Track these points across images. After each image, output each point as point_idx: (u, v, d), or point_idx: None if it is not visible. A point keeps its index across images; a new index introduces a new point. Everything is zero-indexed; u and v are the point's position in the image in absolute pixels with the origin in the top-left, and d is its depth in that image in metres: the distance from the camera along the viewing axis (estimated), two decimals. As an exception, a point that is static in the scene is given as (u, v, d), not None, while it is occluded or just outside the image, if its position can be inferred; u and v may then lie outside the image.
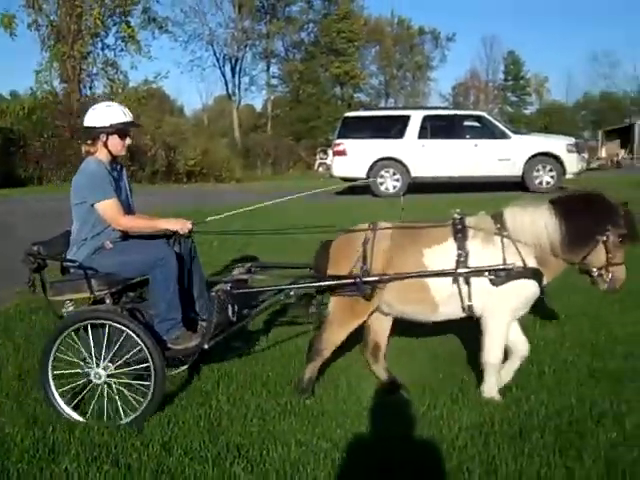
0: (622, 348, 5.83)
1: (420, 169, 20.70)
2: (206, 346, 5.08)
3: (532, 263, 4.87)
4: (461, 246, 4.90)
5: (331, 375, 5.44)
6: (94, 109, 5.35)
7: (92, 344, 4.84)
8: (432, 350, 5.92)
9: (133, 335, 4.81)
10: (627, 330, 6.32)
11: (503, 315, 4.93)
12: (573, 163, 21.23)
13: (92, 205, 5.14)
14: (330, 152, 23.13)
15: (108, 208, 5.14)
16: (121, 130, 5.29)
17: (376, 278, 4.93)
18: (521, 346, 5.05)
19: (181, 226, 5.31)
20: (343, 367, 5.60)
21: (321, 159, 39.85)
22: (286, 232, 7.14)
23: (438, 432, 4.39)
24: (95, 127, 5.24)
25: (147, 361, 4.75)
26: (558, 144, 21.60)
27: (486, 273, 4.83)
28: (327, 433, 4.46)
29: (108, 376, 4.87)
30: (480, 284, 4.87)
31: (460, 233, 4.94)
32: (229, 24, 57.55)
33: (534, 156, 20.94)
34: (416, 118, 21.15)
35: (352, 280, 4.94)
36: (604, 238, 4.82)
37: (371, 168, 21.06)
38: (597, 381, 5.14)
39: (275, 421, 4.66)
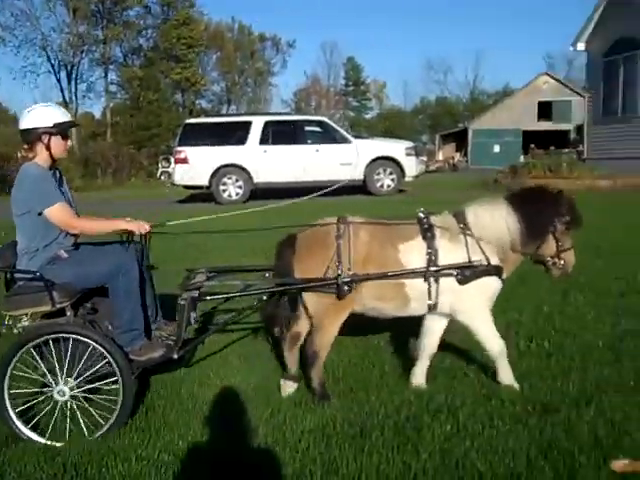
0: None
1: (262, 175, 20.75)
2: (175, 356, 4.92)
3: (494, 260, 5.01)
4: (430, 244, 4.96)
5: (173, 386, 5.36)
6: (31, 110, 5.04)
7: (55, 359, 4.57)
8: (276, 355, 5.93)
9: (100, 348, 4.59)
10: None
11: (482, 310, 5.05)
12: (412, 166, 21.94)
13: (39, 213, 4.85)
14: (172, 160, 22.78)
15: (59, 212, 4.88)
16: (64, 130, 5.03)
17: (360, 277, 4.85)
18: (430, 347, 5.24)
19: (138, 227, 5.09)
20: (184, 378, 5.52)
21: (163, 167, 39.22)
22: (244, 231, 6.59)
23: (282, 436, 4.41)
24: (36, 128, 4.92)
25: (110, 375, 4.57)
26: (397, 148, 22.26)
27: (454, 272, 4.91)
28: (169, 446, 4.39)
29: (71, 393, 4.63)
30: (447, 282, 4.95)
31: (428, 232, 5.00)
32: (63, 29, 55.56)
33: (374, 160, 21.49)
34: (257, 124, 21.20)
35: (333, 281, 4.82)
36: (552, 228, 5.08)
37: (213, 175, 20.96)
38: (434, 377, 5.31)
39: (116, 437, 4.54)
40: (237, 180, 20.97)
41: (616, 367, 5.38)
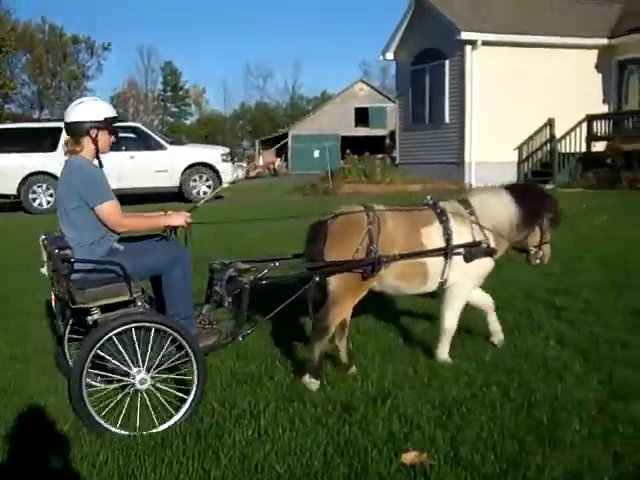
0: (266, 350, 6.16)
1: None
2: (240, 339, 5.16)
3: (492, 243, 5.63)
4: (446, 227, 5.50)
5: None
6: (81, 103, 5.08)
7: (137, 348, 4.60)
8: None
9: (178, 336, 4.66)
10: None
11: (467, 289, 5.71)
12: (228, 172, 22.01)
13: (92, 208, 4.85)
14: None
15: (112, 210, 4.93)
16: (111, 126, 5.06)
17: (395, 257, 5.29)
18: (486, 299, 5.95)
19: (182, 220, 5.20)
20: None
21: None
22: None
23: (79, 450, 4.28)
24: (85, 122, 4.93)
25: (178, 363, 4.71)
26: (213, 154, 22.27)
27: (461, 250, 5.49)
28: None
29: (152, 381, 4.67)
30: (456, 260, 5.52)
31: (443, 216, 5.55)
32: None
33: (190, 166, 21.38)
34: (69, 130, 20.52)
35: (372, 260, 5.19)
36: (540, 222, 5.84)
37: (22, 183, 20.11)
38: (239, 382, 5.36)
39: None
40: (48, 188, 20.19)
41: (413, 365, 5.64)
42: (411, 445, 4.23)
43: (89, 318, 4.68)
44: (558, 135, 23.64)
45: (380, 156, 29.81)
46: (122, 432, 4.51)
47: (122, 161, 20.32)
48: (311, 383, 5.22)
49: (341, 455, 4.15)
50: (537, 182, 22.70)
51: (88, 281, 4.74)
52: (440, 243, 5.48)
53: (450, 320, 5.66)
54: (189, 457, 4.16)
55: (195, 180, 21.55)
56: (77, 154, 5.00)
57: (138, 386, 4.66)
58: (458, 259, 5.53)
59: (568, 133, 23.64)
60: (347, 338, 5.72)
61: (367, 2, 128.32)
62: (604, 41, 24.86)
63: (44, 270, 5.12)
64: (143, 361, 4.64)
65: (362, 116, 59.35)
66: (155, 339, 4.66)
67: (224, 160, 22.05)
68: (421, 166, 25.31)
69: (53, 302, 5.08)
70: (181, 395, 4.75)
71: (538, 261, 6.00)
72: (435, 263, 5.51)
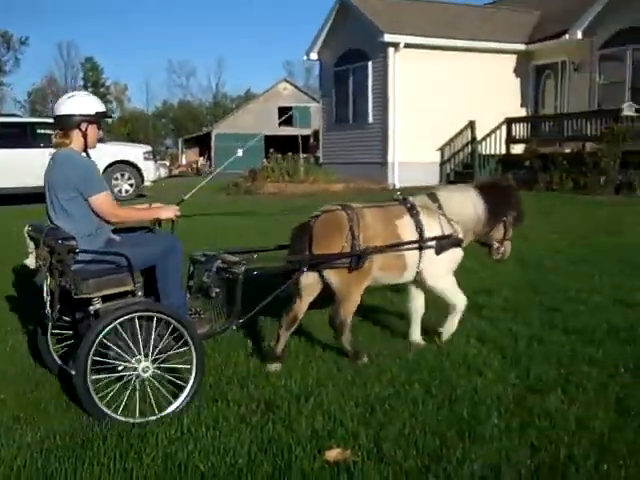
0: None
1: (-10, 181, 19.37)
2: (234, 327, 5.36)
3: (460, 235, 5.98)
4: (417, 221, 5.85)
5: None
6: (72, 96, 5.17)
7: (139, 337, 4.70)
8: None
9: (178, 326, 4.78)
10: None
11: (447, 275, 6.07)
12: (150, 171, 21.76)
13: (86, 199, 4.97)
14: None
15: (106, 201, 5.04)
16: (100, 120, 5.22)
17: (378, 249, 5.61)
18: (420, 302, 6.25)
19: (172, 213, 5.39)
20: None
21: None
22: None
23: (-2, 456, 4.20)
24: (76, 115, 5.04)
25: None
26: (134, 152, 21.98)
27: (434, 242, 5.83)
28: None
29: (153, 369, 4.78)
30: (429, 252, 5.87)
31: (413, 210, 5.89)
32: None
33: (112, 164, 21.03)
34: (-18, 127, 19.91)
35: (357, 254, 5.51)
36: (505, 218, 6.22)
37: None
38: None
39: None
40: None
41: (337, 363, 5.69)
42: (334, 442, 4.26)
43: (91, 308, 4.81)
44: (479, 137, 24.11)
45: (304, 156, 29.85)
46: (125, 420, 4.59)
47: (40, 158, 19.75)
48: (362, 363, 5.65)
49: (265, 453, 4.15)
50: (459, 182, 23.18)
51: (88, 272, 4.84)
52: (413, 236, 5.83)
53: (456, 299, 6.09)
54: (110, 457, 4.09)
55: (117, 178, 21.20)
56: (66, 146, 5.09)
57: (141, 374, 4.75)
58: (430, 251, 5.88)
59: (488, 135, 24.11)
60: (290, 333, 5.87)
61: (291, 1, 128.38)
62: (522, 47, 25.49)
63: (28, 261, 5.11)
64: (145, 350, 4.75)
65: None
66: (155, 328, 4.76)
67: (146, 158, 21.78)
68: (345, 166, 25.46)
69: (44, 292, 4.91)
70: (181, 383, 4.87)
71: (499, 256, 6.41)
72: (412, 255, 5.86)
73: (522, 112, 25.53)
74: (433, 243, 5.84)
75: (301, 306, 5.80)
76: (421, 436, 4.31)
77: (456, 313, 6.11)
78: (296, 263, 5.60)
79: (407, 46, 23.73)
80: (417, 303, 6.24)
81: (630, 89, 22.07)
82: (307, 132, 54.73)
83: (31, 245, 5.08)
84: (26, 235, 5.13)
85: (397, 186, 23.11)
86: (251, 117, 59.62)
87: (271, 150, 27.78)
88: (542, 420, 4.50)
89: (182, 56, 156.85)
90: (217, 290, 5.27)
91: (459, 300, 6.10)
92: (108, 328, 4.61)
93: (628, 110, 19.92)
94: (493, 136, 24.09)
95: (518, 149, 23.48)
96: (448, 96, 23.80)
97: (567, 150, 21.63)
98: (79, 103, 5.09)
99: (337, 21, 26.55)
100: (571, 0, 25.19)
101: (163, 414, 4.67)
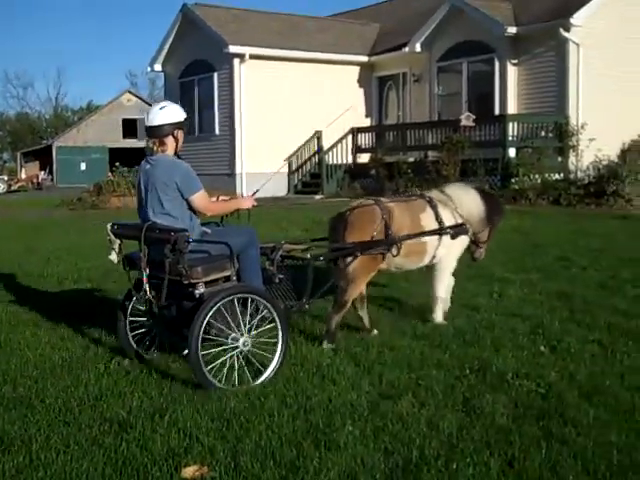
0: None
1: None
2: (307, 307, 6.33)
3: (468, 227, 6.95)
4: (436, 213, 6.77)
5: None
6: (164, 107, 5.78)
7: (240, 315, 5.41)
8: None
9: (268, 306, 5.51)
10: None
11: (453, 262, 7.02)
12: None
13: (186, 198, 5.65)
14: None
15: (204, 198, 5.75)
16: (185, 125, 5.88)
17: (407, 235, 6.52)
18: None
19: (250, 203, 6.09)
20: None
21: None
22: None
23: None
24: (170, 123, 5.70)
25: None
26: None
27: (450, 230, 6.75)
28: None
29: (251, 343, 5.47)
30: (445, 239, 6.78)
31: (432, 203, 6.82)
32: None
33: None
34: None
35: (392, 240, 6.39)
36: (492, 223, 7.15)
37: None
38: (7, 408, 5.07)
39: None
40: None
41: (192, 378, 5.62)
42: (191, 459, 4.20)
43: (196, 292, 5.42)
44: (326, 147, 24.53)
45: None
46: (227, 387, 5.27)
47: None
48: (329, 347, 6.24)
49: (120, 475, 4.05)
50: (307, 193, 23.53)
51: (196, 259, 5.49)
52: (434, 225, 6.73)
53: (441, 289, 6.98)
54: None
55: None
56: (164, 152, 5.77)
57: (243, 348, 5.43)
58: (446, 238, 6.77)
59: (335, 145, 24.58)
60: (366, 307, 6.79)
61: (134, 12, 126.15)
62: (364, 58, 26.18)
63: (112, 257, 5.83)
64: (245, 326, 5.44)
65: (130, 127, 58.21)
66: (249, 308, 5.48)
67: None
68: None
69: (145, 282, 5.55)
70: (268, 355, 5.53)
71: (478, 256, 7.38)
72: (431, 242, 6.75)
73: (367, 122, 26.20)
74: (450, 230, 6.77)
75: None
76: (278, 447, 4.32)
77: (437, 301, 7.00)
78: (350, 249, 6.38)
79: (253, 57, 23.88)
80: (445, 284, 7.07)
81: (467, 100, 23.08)
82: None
83: (117, 241, 5.77)
84: (110, 233, 5.78)
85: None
86: (94, 129, 58.14)
87: (116, 163, 27.10)
88: (395, 424, 4.62)
89: (19, 66, 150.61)
90: (281, 276, 6.04)
91: (442, 290, 6.99)
92: (215, 307, 5.29)
93: (466, 120, 20.81)
94: (339, 146, 24.61)
95: (364, 158, 24.09)
96: (295, 107, 24.13)
97: (411, 159, 22.39)
98: (170, 112, 5.77)
99: (181, 32, 26.34)
100: (409, 14, 26.18)
101: (258, 382, 5.38)
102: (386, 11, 29.61)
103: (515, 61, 21.92)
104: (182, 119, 5.81)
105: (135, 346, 6.12)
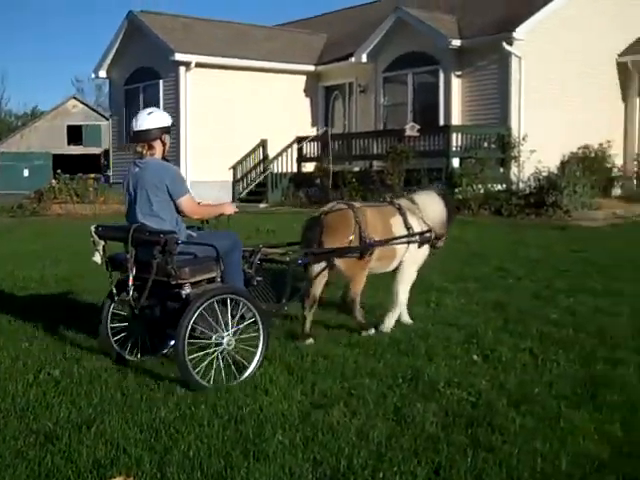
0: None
1: None
2: (286, 308, 6.75)
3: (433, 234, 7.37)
4: (405, 219, 7.10)
5: None
6: (151, 112, 6.04)
7: (222, 316, 5.61)
8: None
9: (250, 306, 5.77)
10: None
11: (415, 268, 7.37)
12: None
13: (174, 200, 5.84)
14: None
15: (191, 201, 5.98)
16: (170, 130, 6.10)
17: (381, 241, 6.86)
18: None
19: (233, 209, 6.36)
20: None
21: None
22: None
23: None
24: (158, 128, 5.93)
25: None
26: None
27: (417, 237, 7.14)
28: None
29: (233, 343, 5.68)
30: (412, 246, 7.17)
31: (400, 210, 7.16)
32: None
33: None
34: None
35: (367, 244, 6.73)
36: (451, 222, 7.71)
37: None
38: None
39: None
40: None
41: (122, 387, 5.55)
42: (117, 470, 4.14)
43: (183, 292, 5.64)
44: (271, 155, 24.53)
45: (93, 175, 29.06)
46: (212, 386, 5.42)
47: None
48: (369, 332, 6.96)
49: (43, 488, 3.98)
50: (252, 201, 23.49)
51: (183, 261, 5.69)
52: (404, 231, 7.06)
53: (404, 294, 7.27)
54: None
55: None
56: (152, 156, 5.97)
57: (226, 347, 5.64)
58: (412, 245, 7.15)
59: (280, 154, 24.61)
60: (313, 311, 6.92)
61: (78, 17, 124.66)
62: (311, 68, 26.29)
63: (96, 258, 6.02)
64: (227, 326, 5.65)
65: (75, 134, 57.43)
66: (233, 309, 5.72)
67: None
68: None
69: (130, 282, 5.73)
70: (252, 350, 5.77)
71: (439, 246, 7.66)
72: (400, 248, 7.10)
73: (313, 131, 26.26)
74: (417, 237, 7.14)
75: (318, 289, 6.92)
76: (206, 458, 4.28)
77: (394, 307, 7.21)
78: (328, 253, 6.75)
79: (199, 65, 23.81)
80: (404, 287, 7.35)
81: (412, 111, 23.29)
82: (97, 151, 53.35)
83: (100, 243, 5.95)
84: (94, 234, 5.95)
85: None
86: (38, 135, 57.20)
87: (58, 170, 26.68)
88: (325, 434, 4.61)
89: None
90: (259, 279, 6.32)
91: (401, 296, 7.25)
92: (202, 308, 5.46)
93: (411, 131, 20.99)
94: (285, 155, 24.62)
95: (309, 167, 24.12)
96: (241, 115, 24.12)
97: (356, 168, 22.52)
98: (158, 118, 6.01)
99: (127, 39, 26.16)
100: (355, 25, 26.37)
101: (240, 379, 5.58)
102: (333, 21, 29.80)
103: (459, 73, 22.20)
104: (169, 124, 6.07)
105: (117, 348, 6.20)
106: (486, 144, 20.80)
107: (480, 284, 9.64)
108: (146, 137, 5.94)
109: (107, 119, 42.08)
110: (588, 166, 20.77)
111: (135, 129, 5.97)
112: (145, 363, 6.08)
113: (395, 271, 7.28)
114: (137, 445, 4.48)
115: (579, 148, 21.63)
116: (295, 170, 24.50)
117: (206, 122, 23.81)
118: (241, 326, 5.80)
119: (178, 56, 23.40)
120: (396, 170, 20.24)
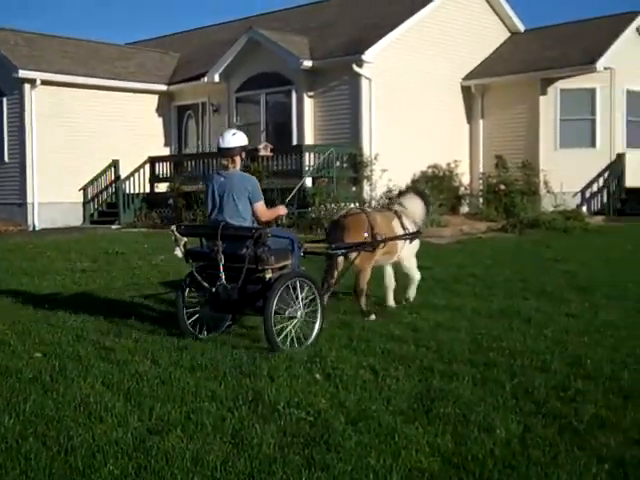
0: None
1: None
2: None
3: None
4: (401, 221, 9.15)
5: None
6: (235, 133, 7.67)
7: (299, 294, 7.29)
8: None
9: (313, 287, 7.44)
10: None
11: (413, 257, 9.49)
12: None
13: (252, 203, 7.47)
14: None
15: (263, 206, 7.60)
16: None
17: (390, 237, 8.86)
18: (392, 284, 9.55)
19: (286, 211, 8.15)
20: None
21: None
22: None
23: None
24: (240, 146, 7.58)
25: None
26: None
27: (411, 236, 9.24)
28: None
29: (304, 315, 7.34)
30: (407, 243, 9.14)
31: (397, 213, 9.24)
32: None
33: None
34: None
35: (382, 240, 8.64)
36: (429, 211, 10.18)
37: None
38: None
39: None
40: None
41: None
42: None
43: (267, 276, 7.17)
44: (123, 176, 23.99)
45: None
46: (290, 349, 7.03)
47: None
48: (371, 318, 8.54)
49: None
50: (104, 222, 22.88)
51: (273, 249, 7.26)
52: (401, 231, 9.04)
53: (414, 275, 9.51)
54: None
55: None
56: (234, 168, 7.59)
57: (299, 318, 7.25)
58: (407, 242, 9.15)
59: (132, 174, 24.12)
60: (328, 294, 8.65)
61: None
62: (163, 87, 25.95)
63: (177, 252, 7.55)
64: (302, 302, 7.28)
65: None
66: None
67: None
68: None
69: (221, 269, 7.19)
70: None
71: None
72: (400, 243, 9.04)
73: (166, 151, 25.91)
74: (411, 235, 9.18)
75: (335, 276, 8.73)
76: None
77: (414, 282, 9.46)
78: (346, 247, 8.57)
79: (45, 83, 22.98)
80: (390, 280, 9.35)
81: (265, 130, 23.37)
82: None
83: (183, 239, 7.45)
84: (175, 232, 7.42)
85: (37, 227, 22.27)
86: None
87: None
88: (159, 461, 4.48)
89: None
90: (303, 268, 7.94)
91: (415, 275, 9.47)
92: (284, 288, 7.05)
93: (264, 150, 20.96)
94: (137, 175, 24.19)
95: (162, 187, 23.72)
96: (91, 134, 23.52)
97: (209, 189, 22.21)
98: (240, 138, 7.59)
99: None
100: (209, 45, 26.30)
101: (307, 343, 7.25)
102: (187, 41, 29.60)
103: (312, 93, 22.46)
104: (247, 143, 7.65)
105: (192, 330, 7.58)
106: (338, 163, 21.09)
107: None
108: (230, 153, 7.53)
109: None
110: (437, 185, 21.49)
111: (221, 146, 7.52)
112: None
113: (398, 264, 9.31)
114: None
115: (429, 167, 22.36)
116: (148, 190, 24.06)
117: (54, 142, 22.97)
118: (307, 302, 7.29)
119: (22, 73, 22.49)
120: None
